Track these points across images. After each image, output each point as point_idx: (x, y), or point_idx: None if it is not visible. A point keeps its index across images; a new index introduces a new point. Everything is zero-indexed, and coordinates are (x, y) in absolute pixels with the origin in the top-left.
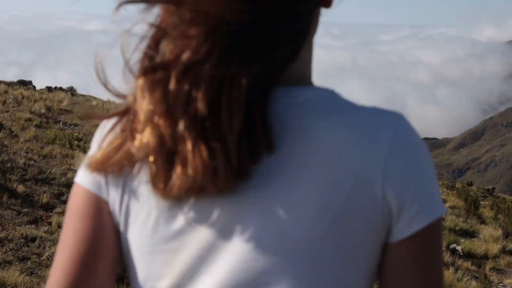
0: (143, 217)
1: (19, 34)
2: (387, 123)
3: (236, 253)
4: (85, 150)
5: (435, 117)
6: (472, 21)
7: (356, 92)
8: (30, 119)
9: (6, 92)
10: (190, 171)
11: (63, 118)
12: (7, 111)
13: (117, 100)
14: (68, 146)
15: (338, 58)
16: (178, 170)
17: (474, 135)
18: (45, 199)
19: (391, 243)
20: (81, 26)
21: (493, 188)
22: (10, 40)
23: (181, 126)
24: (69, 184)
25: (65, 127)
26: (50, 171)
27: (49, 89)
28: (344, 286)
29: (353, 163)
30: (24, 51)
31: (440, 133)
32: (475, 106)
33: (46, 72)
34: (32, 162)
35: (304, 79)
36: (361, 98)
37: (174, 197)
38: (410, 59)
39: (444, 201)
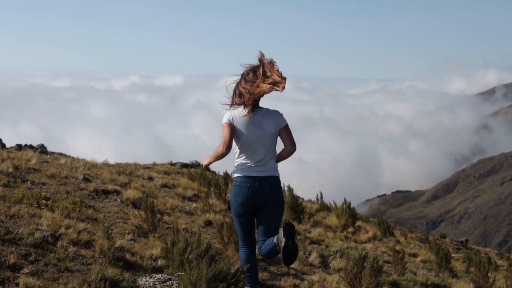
0: (242, 124)
1: None
2: (278, 112)
3: (259, 129)
4: (53, 209)
5: (407, 169)
6: (439, 74)
7: (326, 144)
8: None
9: None
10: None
11: (30, 177)
12: None
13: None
14: (36, 205)
15: (307, 112)
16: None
17: (447, 187)
18: (12, 259)
19: (280, 129)
20: (49, 83)
21: (467, 240)
22: None
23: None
24: (36, 244)
25: (33, 186)
26: (17, 231)
27: (18, 147)
28: (275, 146)
29: (276, 119)
30: None
31: (412, 186)
32: (447, 158)
33: (9, 127)
34: None
35: (259, 105)
36: (332, 151)
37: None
38: (380, 112)
39: (415, 255)
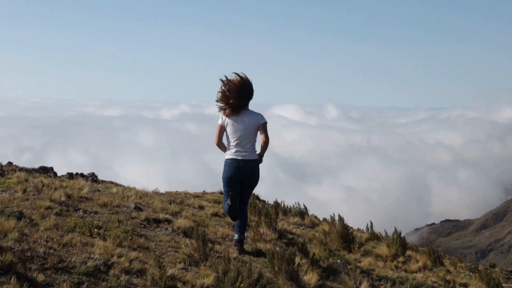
0: (230, 123)
1: (37, 121)
2: (260, 114)
3: (243, 125)
4: (105, 238)
5: (456, 198)
6: (490, 103)
7: (375, 173)
8: (50, 207)
9: (26, 180)
10: (234, 113)
11: (83, 206)
12: (27, 199)
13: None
14: (88, 234)
15: (355, 140)
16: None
17: (496, 216)
18: None
19: (260, 124)
20: (99, 112)
21: None
22: (28, 126)
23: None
24: (89, 273)
25: (85, 215)
26: (70, 259)
27: (70, 175)
28: (255, 137)
29: (257, 119)
30: (39, 137)
31: (462, 215)
32: (496, 186)
33: (59, 155)
34: (52, 250)
35: (247, 108)
36: (380, 179)
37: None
38: (429, 141)
39: (466, 285)
